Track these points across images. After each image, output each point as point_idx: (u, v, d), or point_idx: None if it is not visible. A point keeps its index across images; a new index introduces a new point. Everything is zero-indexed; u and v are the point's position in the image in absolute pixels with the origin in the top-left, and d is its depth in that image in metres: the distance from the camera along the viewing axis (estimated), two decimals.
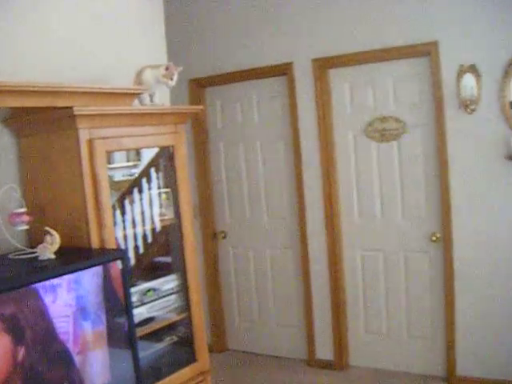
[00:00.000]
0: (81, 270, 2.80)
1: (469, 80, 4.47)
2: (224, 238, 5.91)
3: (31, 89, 2.78)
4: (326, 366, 5.40)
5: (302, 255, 5.44)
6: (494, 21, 4.38)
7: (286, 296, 5.67)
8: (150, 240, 3.91)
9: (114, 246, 3.26)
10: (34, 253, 2.99)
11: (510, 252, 4.54)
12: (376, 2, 4.80)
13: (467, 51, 4.48)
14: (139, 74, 3.56)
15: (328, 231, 5.25)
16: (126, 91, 3.33)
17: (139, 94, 3.46)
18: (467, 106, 4.49)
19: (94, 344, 2.84)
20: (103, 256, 3.01)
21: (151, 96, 3.62)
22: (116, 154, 4.14)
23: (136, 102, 3.56)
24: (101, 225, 3.16)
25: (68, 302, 2.71)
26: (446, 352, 4.88)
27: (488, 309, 4.66)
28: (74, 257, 2.95)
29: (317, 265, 5.35)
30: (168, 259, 4.03)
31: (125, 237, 3.59)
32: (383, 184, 5.07)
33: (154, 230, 3.89)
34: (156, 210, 3.86)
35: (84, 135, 3.06)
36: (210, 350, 5.14)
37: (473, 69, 4.45)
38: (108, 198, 3.19)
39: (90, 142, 3.08)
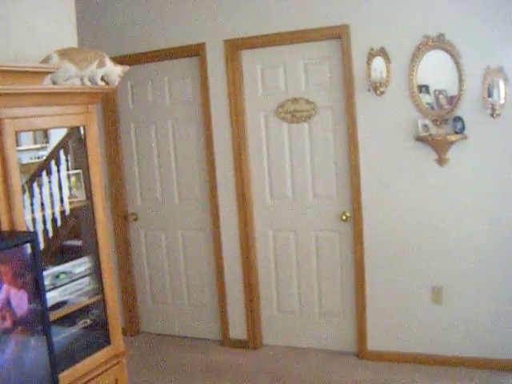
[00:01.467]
0: None
1: (378, 63, 4.57)
2: (135, 220, 5.85)
3: None
4: (239, 345, 5.45)
5: (214, 236, 5.45)
6: (404, 5, 4.49)
7: (198, 277, 5.67)
8: (59, 223, 3.83)
9: (24, 229, 3.17)
10: None
11: (417, 230, 4.69)
12: None
13: (377, 35, 4.58)
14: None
15: (240, 212, 5.28)
16: (36, 69, 3.23)
17: (50, 72, 3.36)
18: (377, 88, 4.59)
19: (7, 330, 2.76)
20: (13, 239, 2.93)
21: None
22: (23, 136, 4.03)
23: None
24: (10, 207, 3.07)
25: None
26: (357, 328, 5.02)
27: (396, 285, 4.82)
28: None
29: (229, 245, 5.38)
30: (80, 242, 3.95)
31: (34, 220, 3.50)
32: (294, 165, 5.13)
33: (63, 212, 3.80)
34: (66, 192, 3.77)
35: None
36: (124, 334, 5.09)
37: (382, 52, 4.55)
38: (18, 180, 3.10)
39: None
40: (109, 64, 3.73)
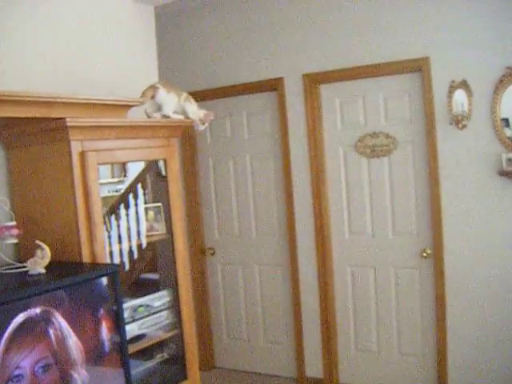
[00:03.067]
0: (73, 285, 2.74)
1: (460, 96, 4.47)
2: (213, 254, 5.85)
3: (24, 98, 2.73)
4: (315, 383, 5.34)
5: (292, 272, 5.38)
6: (486, 37, 4.39)
7: (275, 313, 5.60)
8: (137, 256, 3.86)
9: (105, 261, 3.20)
10: (23, 267, 2.93)
11: (502, 269, 4.52)
12: (368, 17, 4.80)
13: (458, 67, 4.48)
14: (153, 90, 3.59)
15: (318, 248, 5.21)
16: (119, 103, 3.29)
17: (133, 106, 3.42)
18: (458, 121, 4.48)
19: (88, 362, 2.77)
20: (95, 271, 2.95)
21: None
22: (101, 169, 4.09)
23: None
24: (92, 239, 3.10)
25: (60, 318, 2.65)
26: (437, 369, 4.84)
27: (479, 326, 4.63)
28: (65, 271, 2.88)
29: (306, 281, 5.30)
30: (157, 275, 3.97)
31: (111, 253, 3.53)
32: (374, 200, 5.04)
33: (141, 246, 3.84)
34: (143, 225, 3.80)
35: (76, 147, 3.01)
36: (199, 369, 5.09)
37: (464, 85, 4.45)
38: (99, 212, 3.15)
39: (82, 154, 3.03)
40: (193, 102, 3.82)
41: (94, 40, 3.80)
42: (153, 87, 3.72)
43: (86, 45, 3.74)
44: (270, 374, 5.67)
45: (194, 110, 3.98)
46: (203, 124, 3.90)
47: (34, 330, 2.52)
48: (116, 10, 4.00)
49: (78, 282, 2.76)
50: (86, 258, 3.07)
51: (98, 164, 3.14)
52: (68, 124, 2.90)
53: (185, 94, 3.95)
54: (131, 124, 3.31)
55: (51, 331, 2.60)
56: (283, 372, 5.62)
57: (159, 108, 3.67)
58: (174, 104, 3.76)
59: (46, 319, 2.58)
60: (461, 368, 4.73)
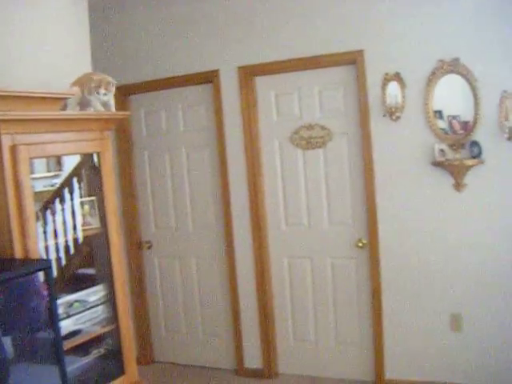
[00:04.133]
0: (4, 281, 2.68)
1: (393, 88, 4.55)
2: (149, 247, 5.81)
3: None
4: (254, 374, 5.37)
5: (229, 264, 5.39)
6: (419, 30, 4.48)
7: (213, 305, 5.61)
8: (73, 251, 3.80)
9: (38, 257, 3.14)
10: None
11: (436, 257, 4.62)
12: (302, 11, 4.83)
13: (392, 60, 4.56)
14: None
15: (255, 239, 5.23)
16: (50, 95, 3.23)
17: (65, 98, 3.36)
18: (392, 113, 4.56)
19: (20, 359, 2.72)
20: (27, 267, 2.90)
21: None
22: (36, 163, 4.02)
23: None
24: (24, 234, 3.04)
25: None
26: (375, 357, 4.93)
27: (414, 312, 4.74)
28: None
29: (244, 273, 5.32)
30: (93, 270, 3.92)
31: (47, 248, 3.47)
32: (309, 191, 5.09)
33: (77, 240, 3.78)
34: (79, 220, 3.75)
35: (7, 141, 2.94)
36: (137, 363, 5.03)
37: (397, 77, 4.53)
38: (32, 207, 3.08)
39: (13, 147, 2.96)
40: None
41: (25, 34, 3.71)
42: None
43: (17, 39, 3.65)
44: (210, 366, 5.68)
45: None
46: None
47: None
48: (48, 2, 3.91)
49: (10, 278, 2.70)
50: (19, 254, 3.01)
51: (31, 158, 3.08)
52: None
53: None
54: (63, 117, 3.25)
55: None
56: (223, 364, 5.63)
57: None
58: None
59: None
60: (397, 355, 4.83)
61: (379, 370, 4.89)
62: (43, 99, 3.15)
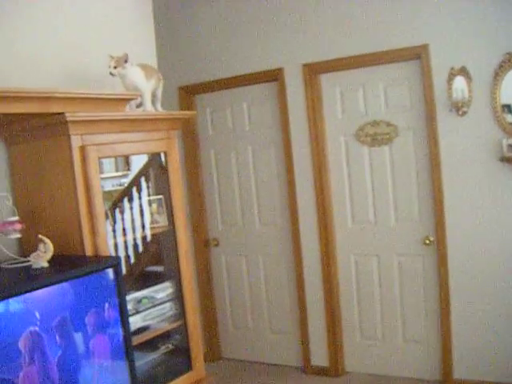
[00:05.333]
0: (75, 278, 2.76)
1: (460, 82, 4.46)
2: (216, 245, 5.87)
3: (22, 94, 2.75)
4: (321, 372, 5.36)
5: (296, 261, 5.40)
6: (484, 23, 4.38)
7: (279, 302, 5.62)
8: (143, 249, 3.88)
9: (107, 254, 3.22)
10: (27, 261, 2.95)
11: (504, 254, 4.52)
12: (366, 7, 4.79)
13: (458, 54, 4.48)
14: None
15: (321, 237, 5.22)
16: (118, 97, 3.30)
17: (132, 99, 3.43)
18: (459, 108, 4.48)
19: (91, 355, 2.79)
20: (97, 264, 2.97)
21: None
22: (105, 163, 4.12)
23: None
24: (94, 232, 3.13)
25: (61, 311, 2.67)
26: (442, 355, 4.86)
27: (483, 312, 4.64)
28: (67, 265, 2.90)
29: (310, 271, 5.32)
30: (161, 267, 3.99)
31: (116, 246, 3.56)
32: (376, 188, 5.05)
33: (145, 238, 3.86)
34: (147, 218, 3.82)
35: (76, 142, 3.03)
36: (205, 359, 5.10)
37: (463, 71, 4.44)
38: (101, 205, 3.16)
39: (83, 148, 3.05)
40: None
41: (91, 33, 3.81)
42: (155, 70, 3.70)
43: (83, 38, 3.75)
44: (276, 363, 5.69)
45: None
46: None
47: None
48: (113, 3, 4.01)
49: (80, 275, 2.78)
50: (89, 251, 3.09)
51: (99, 158, 3.16)
52: (68, 119, 2.91)
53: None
54: (131, 117, 3.33)
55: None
56: (289, 361, 5.64)
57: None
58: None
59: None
60: (466, 354, 4.75)
61: (447, 369, 4.82)
62: (109, 100, 3.22)
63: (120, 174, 4.62)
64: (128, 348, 3.01)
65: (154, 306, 3.62)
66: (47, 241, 2.91)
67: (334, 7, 4.92)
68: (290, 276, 5.52)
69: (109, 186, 4.29)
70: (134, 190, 3.99)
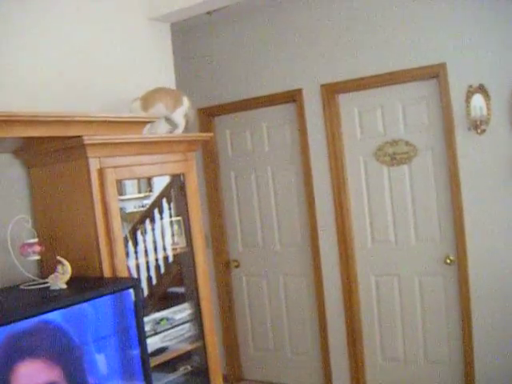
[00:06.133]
0: (93, 299, 2.78)
1: (478, 100, 4.46)
2: (237, 266, 5.88)
3: (42, 119, 2.79)
4: None
5: (316, 282, 5.39)
6: (502, 40, 4.38)
7: (300, 324, 5.61)
8: (162, 270, 3.90)
9: (126, 275, 3.23)
10: (45, 283, 2.98)
11: None
12: (383, 26, 4.82)
13: (475, 72, 4.48)
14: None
15: (341, 257, 5.22)
16: (135, 120, 3.34)
17: (149, 122, 3.47)
18: (477, 126, 4.47)
19: (108, 376, 2.80)
20: (115, 285, 2.99)
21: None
22: (128, 185, 4.15)
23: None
24: (112, 254, 3.14)
25: (81, 332, 2.69)
26: (465, 376, 4.80)
27: (506, 332, 4.59)
28: (85, 286, 2.93)
29: (331, 291, 5.31)
30: (181, 288, 4.00)
31: (137, 267, 3.58)
32: (395, 208, 5.04)
33: (166, 259, 3.88)
34: (168, 239, 3.85)
35: (94, 164, 3.06)
36: (226, 381, 5.10)
37: (482, 89, 4.44)
38: (119, 227, 3.18)
39: (101, 170, 3.08)
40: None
41: (110, 59, 3.86)
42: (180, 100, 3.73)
43: (102, 64, 3.80)
44: None
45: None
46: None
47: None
48: (131, 29, 4.06)
49: (99, 296, 2.80)
50: (107, 273, 3.11)
51: (117, 180, 3.19)
52: (85, 142, 2.94)
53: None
54: (148, 140, 3.35)
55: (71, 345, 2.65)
56: (310, 382, 5.62)
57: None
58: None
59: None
60: (488, 376, 4.69)
61: None
62: (127, 123, 3.26)
63: (142, 195, 4.65)
64: (146, 369, 3.01)
65: (173, 327, 3.62)
66: (65, 262, 2.94)
67: (350, 27, 4.96)
68: (310, 296, 5.51)
69: (131, 208, 4.32)
70: (156, 211, 4.01)
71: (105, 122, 3.13)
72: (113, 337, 2.88)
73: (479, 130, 4.48)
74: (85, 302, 2.73)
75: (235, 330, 5.97)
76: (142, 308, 3.03)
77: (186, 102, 3.76)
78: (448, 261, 4.80)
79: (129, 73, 3.96)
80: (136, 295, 2.99)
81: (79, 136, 2.95)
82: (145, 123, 3.42)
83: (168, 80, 4.25)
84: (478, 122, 4.46)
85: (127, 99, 3.62)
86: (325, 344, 5.41)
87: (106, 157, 3.10)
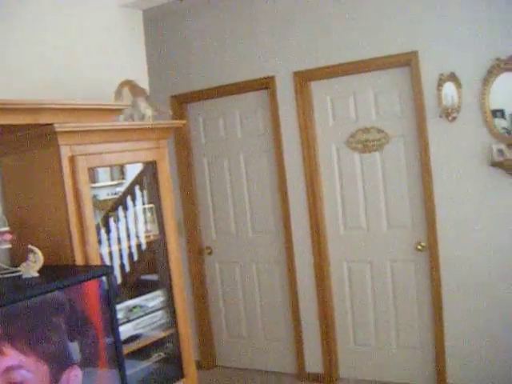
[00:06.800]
0: (65, 287, 2.77)
1: (449, 88, 4.49)
2: (210, 253, 5.88)
3: (12, 106, 2.76)
4: (315, 379, 5.37)
5: (289, 268, 5.42)
6: (473, 29, 4.41)
7: (273, 310, 5.64)
8: (136, 257, 3.89)
9: (99, 263, 3.23)
10: (17, 271, 2.96)
11: (495, 258, 4.54)
12: (355, 14, 4.83)
13: (447, 60, 4.51)
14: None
15: (314, 244, 5.24)
16: (107, 107, 3.32)
17: (121, 109, 3.45)
18: (448, 114, 4.51)
19: (82, 363, 2.80)
20: (87, 273, 2.99)
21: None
22: (101, 173, 4.14)
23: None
24: (84, 242, 3.14)
25: (54, 320, 2.68)
26: (436, 361, 4.87)
27: (477, 316, 4.66)
28: (58, 274, 2.92)
29: (303, 278, 5.33)
30: (154, 276, 4.00)
31: (111, 255, 3.57)
32: (367, 195, 5.07)
33: (139, 246, 3.87)
34: (141, 227, 3.84)
35: (66, 152, 3.04)
36: (199, 367, 5.12)
37: (453, 77, 4.47)
38: (91, 215, 3.17)
39: (72, 158, 3.06)
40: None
41: (81, 46, 3.83)
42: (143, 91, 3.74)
43: (74, 51, 3.77)
44: (271, 370, 5.70)
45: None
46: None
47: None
48: (103, 16, 4.03)
49: (71, 284, 2.79)
50: (79, 261, 3.11)
51: (89, 168, 3.17)
52: (56, 130, 2.93)
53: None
54: (120, 127, 3.34)
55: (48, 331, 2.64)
56: (283, 368, 5.65)
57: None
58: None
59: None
60: (459, 359, 4.75)
61: (440, 374, 4.83)
62: (99, 111, 3.24)
63: (115, 182, 4.64)
64: (119, 357, 3.02)
65: (146, 314, 3.63)
66: (37, 251, 2.93)
67: (323, 15, 4.96)
68: (283, 283, 5.53)
69: (104, 195, 4.31)
70: (129, 198, 4.00)
71: (75, 109, 3.12)
72: (86, 324, 2.87)
73: (450, 118, 4.51)
74: (57, 290, 2.73)
75: (208, 317, 5.98)
76: (114, 296, 3.04)
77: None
78: (419, 247, 4.85)
79: (100, 60, 3.94)
80: (108, 283, 2.99)
81: (50, 124, 2.93)
82: (116, 110, 3.40)
83: (140, 67, 4.23)
84: (449, 110, 4.50)
85: (98, 86, 3.60)
86: (298, 330, 5.44)
87: (77, 144, 3.09)
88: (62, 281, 2.78)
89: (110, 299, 2.99)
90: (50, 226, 3.16)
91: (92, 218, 3.18)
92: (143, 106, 3.73)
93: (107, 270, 3.04)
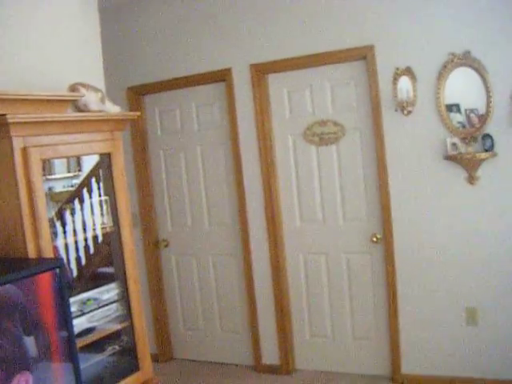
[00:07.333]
0: (17, 280, 2.73)
1: (404, 83, 4.54)
2: (166, 246, 5.86)
3: None
4: (272, 370, 5.40)
5: (245, 261, 5.43)
6: (428, 24, 4.47)
7: (230, 302, 5.65)
8: (92, 250, 3.85)
9: (52, 256, 3.19)
10: None
11: (449, 250, 4.62)
12: (312, 8, 4.84)
13: (403, 54, 4.56)
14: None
15: (270, 236, 5.26)
16: (60, 98, 3.27)
17: (74, 100, 3.41)
18: (404, 108, 4.56)
19: (35, 358, 2.77)
20: (40, 266, 2.95)
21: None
22: (57, 165, 4.08)
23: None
24: (37, 234, 3.09)
25: (5, 314, 2.64)
26: (391, 351, 4.94)
27: (430, 306, 4.73)
28: (9, 267, 2.87)
29: (260, 270, 5.35)
30: (110, 268, 3.97)
31: (66, 247, 3.53)
32: (323, 187, 5.10)
33: (95, 239, 3.83)
34: (97, 219, 3.80)
35: (18, 143, 2.99)
36: (156, 360, 5.11)
37: (408, 71, 4.53)
38: (44, 207, 3.12)
39: (25, 149, 3.01)
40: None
41: (35, 36, 3.75)
42: (73, 87, 3.68)
43: (27, 42, 3.69)
44: (228, 362, 5.72)
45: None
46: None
47: None
48: (57, 6, 3.96)
49: (22, 277, 2.75)
50: (32, 253, 3.06)
51: (42, 159, 3.13)
52: (9, 120, 2.87)
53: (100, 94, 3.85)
54: (73, 119, 3.30)
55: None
56: (240, 360, 5.67)
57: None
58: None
59: None
60: (413, 349, 4.84)
61: (395, 364, 4.90)
62: (52, 101, 3.20)
63: (71, 174, 4.58)
64: (72, 350, 2.99)
65: (100, 307, 3.60)
66: None
67: (280, 8, 4.96)
68: (239, 275, 5.54)
69: (60, 187, 4.25)
70: (85, 190, 3.96)
71: (29, 99, 3.06)
72: (38, 318, 2.84)
73: (405, 112, 4.56)
74: (9, 283, 2.69)
75: (165, 310, 5.96)
76: (67, 289, 3.00)
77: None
78: (375, 239, 4.90)
79: (54, 51, 3.86)
80: (61, 276, 2.96)
81: (2, 114, 2.88)
82: (69, 102, 3.36)
83: (95, 59, 4.17)
84: (405, 104, 4.54)
85: (51, 78, 3.54)
86: (254, 322, 5.46)
87: (30, 136, 3.03)
88: (14, 274, 2.74)
89: (62, 292, 2.95)
90: (2, 218, 3.10)
91: (45, 211, 3.13)
92: (109, 105, 3.68)
93: (59, 263, 3.00)
